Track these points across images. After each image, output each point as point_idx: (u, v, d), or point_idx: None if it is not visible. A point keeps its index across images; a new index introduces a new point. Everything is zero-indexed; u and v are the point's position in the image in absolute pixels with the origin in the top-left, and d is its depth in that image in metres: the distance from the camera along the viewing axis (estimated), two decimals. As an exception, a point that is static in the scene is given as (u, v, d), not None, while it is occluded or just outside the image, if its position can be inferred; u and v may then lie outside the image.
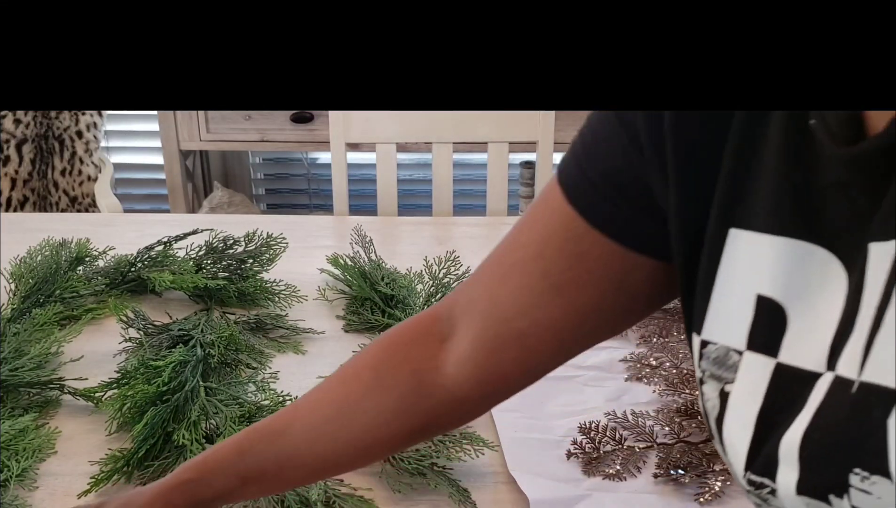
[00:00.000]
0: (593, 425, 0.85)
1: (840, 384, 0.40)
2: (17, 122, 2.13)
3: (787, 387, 0.43)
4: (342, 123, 1.53)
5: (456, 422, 0.65)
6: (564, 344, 0.58)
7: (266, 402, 0.88)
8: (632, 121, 0.51)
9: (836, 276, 0.42)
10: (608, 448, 0.83)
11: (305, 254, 1.29)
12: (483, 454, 0.81)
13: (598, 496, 0.76)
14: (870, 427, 0.37)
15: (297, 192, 2.76)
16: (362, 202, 2.60)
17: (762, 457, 0.44)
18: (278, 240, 1.21)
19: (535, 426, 0.87)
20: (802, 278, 0.43)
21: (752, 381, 0.45)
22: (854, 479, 0.38)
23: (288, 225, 1.41)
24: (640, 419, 0.87)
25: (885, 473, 0.36)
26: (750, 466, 0.45)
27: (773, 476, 0.43)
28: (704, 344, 0.48)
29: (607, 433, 0.84)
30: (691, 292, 0.50)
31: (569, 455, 0.82)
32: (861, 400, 0.38)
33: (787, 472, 0.42)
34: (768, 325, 0.44)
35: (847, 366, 0.40)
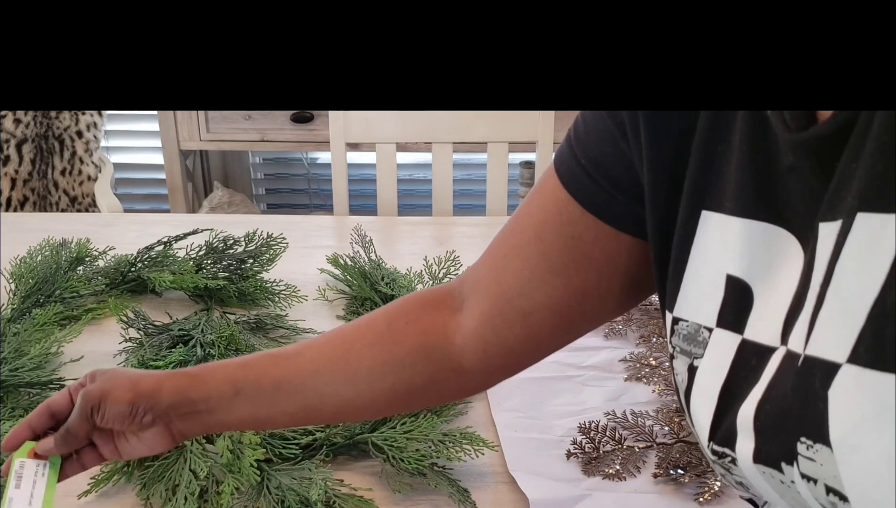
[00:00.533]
0: (593, 425, 0.85)
1: (789, 357, 0.42)
2: (17, 122, 2.13)
3: (748, 361, 0.45)
4: (342, 123, 1.53)
5: (455, 393, 0.67)
6: (566, 324, 0.59)
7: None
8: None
9: (795, 255, 0.44)
10: (608, 447, 0.83)
11: (305, 254, 1.29)
12: (483, 454, 0.81)
13: (597, 495, 0.76)
14: (812, 398, 0.39)
15: (297, 192, 2.76)
16: (362, 202, 2.60)
17: (723, 428, 0.46)
18: (278, 240, 1.22)
19: (535, 426, 0.87)
20: (766, 257, 0.45)
21: (718, 356, 0.47)
22: (801, 447, 0.40)
23: (288, 225, 1.41)
24: (639, 418, 0.87)
25: (826, 441, 0.38)
26: (713, 437, 0.47)
27: (732, 446, 0.45)
28: (676, 321, 0.50)
29: (607, 433, 0.84)
30: (664, 271, 0.52)
31: (568, 454, 0.82)
32: (805, 373, 0.40)
33: (745, 442, 0.44)
34: (736, 303, 0.46)
35: (796, 341, 0.42)
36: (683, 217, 0.49)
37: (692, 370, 0.49)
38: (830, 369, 0.38)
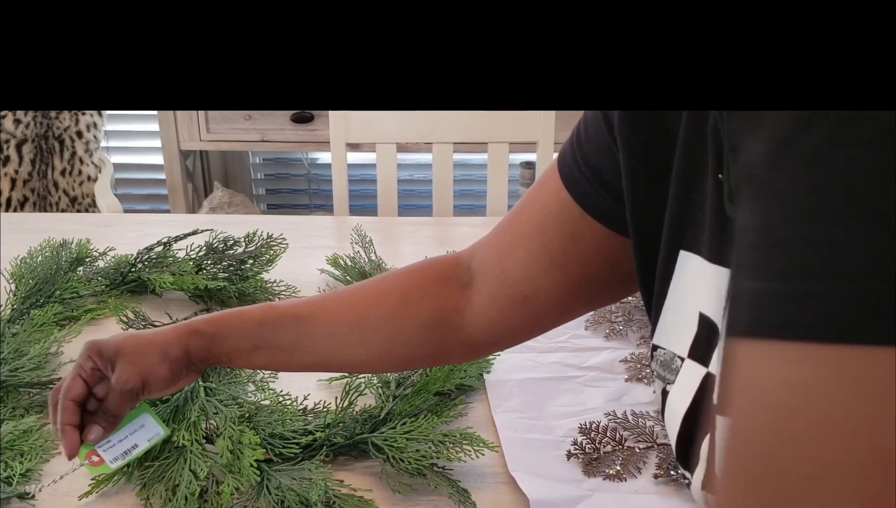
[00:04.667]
0: (594, 425, 0.85)
1: None
2: (17, 122, 2.13)
3: (709, 393, 0.48)
4: (342, 123, 1.53)
5: (462, 359, 0.75)
6: (563, 308, 0.65)
7: (266, 402, 0.88)
8: (613, 121, 0.56)
9: None
10: (608, 448, 0.83)
11: (305, 254, 1.29)
12: (483, 454, 0.81)
13: (598, 496, 0.76)
14: None
15: (298, 192, 2.76)
16: (362, 202, 2.60)
17: (684, 453, 0.49)
18: (278, 240, 1.21)
19: (536, 426, 0.86)
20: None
21: (685, 384, 0.51)
22: None
23: (288, 225, 1.41)
24: (640, 419, 0.87)
25: None
26: (678, 458, 0.50)
27: (692, 471, 0.49)
28: (655, 348, 0.54)
29: (608, 434, 0.84)
30: (650, 301, 0.55)
31: (569, 455, 0.82)
32: None
33: (699, 469, 0.47)
34: (706, 339, 0.49)
35: None
36: (664, 255, 0.52)
37: (665, 394, 0.52)
38: None
